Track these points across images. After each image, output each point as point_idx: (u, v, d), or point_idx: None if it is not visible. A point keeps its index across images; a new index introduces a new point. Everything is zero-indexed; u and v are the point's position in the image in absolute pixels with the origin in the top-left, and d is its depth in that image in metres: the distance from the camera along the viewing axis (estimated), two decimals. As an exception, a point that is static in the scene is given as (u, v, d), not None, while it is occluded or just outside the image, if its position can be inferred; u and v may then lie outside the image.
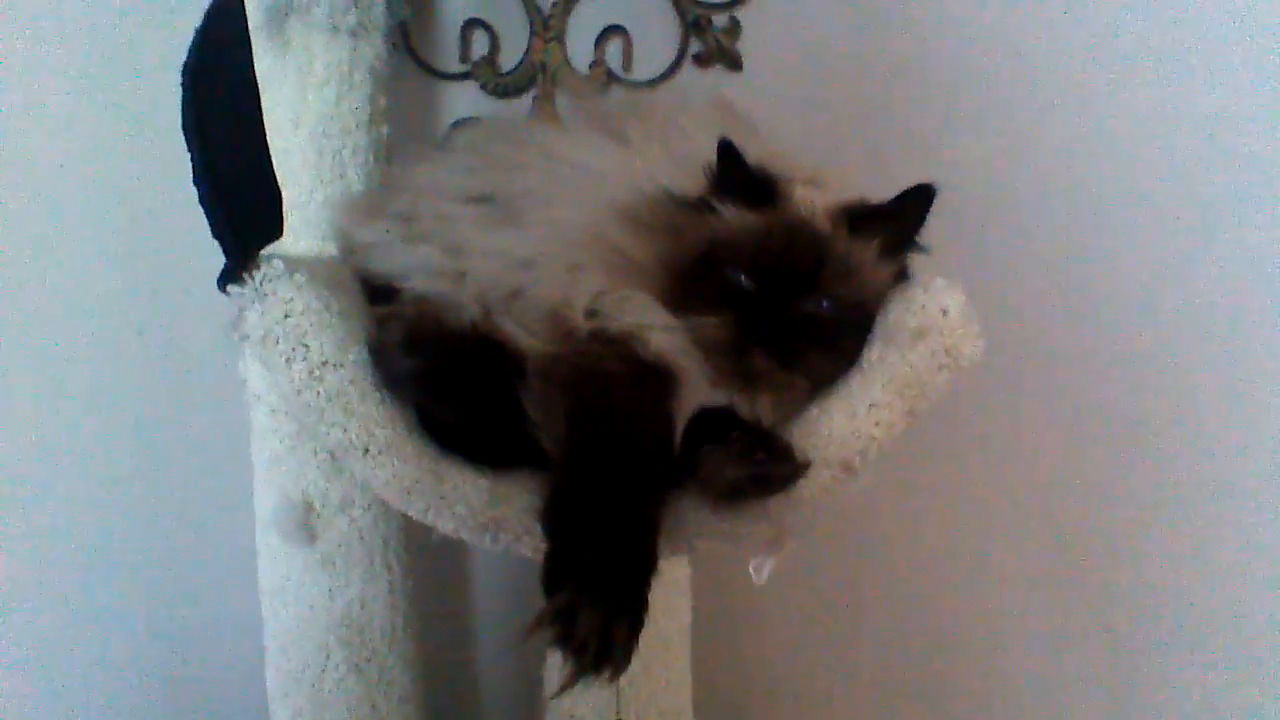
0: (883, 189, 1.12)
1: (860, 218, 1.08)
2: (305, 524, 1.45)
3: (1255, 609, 1.80)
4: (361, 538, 1.48)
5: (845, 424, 1.04)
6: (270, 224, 0.97)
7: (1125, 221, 1.72)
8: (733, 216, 1.08)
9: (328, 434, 1.02)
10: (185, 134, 0.93)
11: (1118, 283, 1.74)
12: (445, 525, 1.03)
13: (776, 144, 1.27)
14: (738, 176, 1.09)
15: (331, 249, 1.27)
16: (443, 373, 1.04)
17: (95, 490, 1.73)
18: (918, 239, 1.10)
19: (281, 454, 1.43)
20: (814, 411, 1.06)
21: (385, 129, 1.49)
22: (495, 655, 1.83)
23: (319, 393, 1.02)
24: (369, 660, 1.52)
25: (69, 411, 1.71)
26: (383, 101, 1.48)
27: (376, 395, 1.03)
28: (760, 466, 0.99)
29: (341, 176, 1.43)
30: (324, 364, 1.02)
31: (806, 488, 1.02)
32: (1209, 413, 1.76)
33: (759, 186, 1.09)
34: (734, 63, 1.70)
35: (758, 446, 1.00)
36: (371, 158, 1.46)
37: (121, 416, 1.73)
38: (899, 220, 1.08)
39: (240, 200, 0.94)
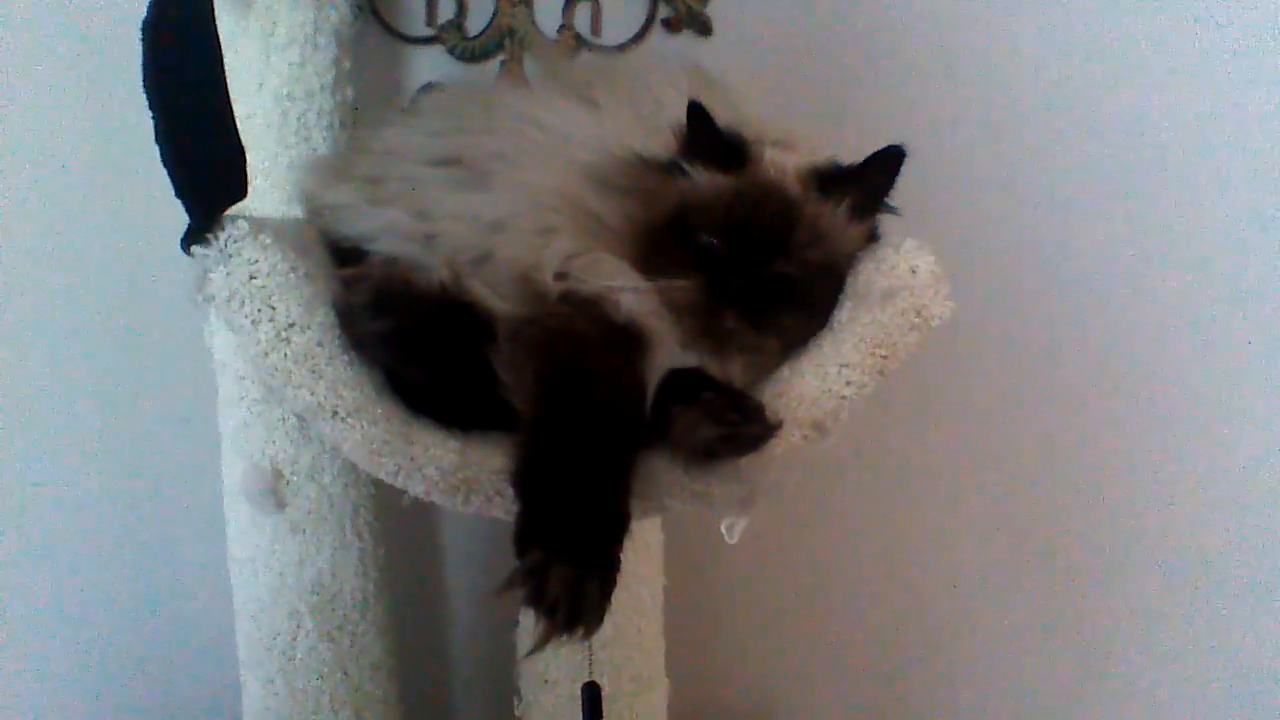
0: (854, 152, 1.12)
1: (830, 179, 1.08)
2: (274, 491, 1.44)
3: (1230, 583, 1.84)
4: (331, 504, 1.47)
5: (816, 384, 1.04)
6: (234, 184, 0.96)
7: (1097, 184, 1.73)
8: (702, 179, 1.08)
9: (295, 397, 1.01)
10: (146, 93, 0.91)
11: (1085, 244, 1.76)
12: (416, 488, 1.03)
13: (747, 107, 1.27)
14: (707, 139, 1.08)
15: (297, 212, 1.25)
16: (411, 334, 1.04)
17: (60, 461, 1.71)
18: (888, 200, 1.10)
19: (249, 420, 1.41)
20: (785, 372, 1.06)
21: (350, 92, 1.47)
22: (467, 622, 1.83)
23: (286, 355, 1.01)
24: (340, 628, 1.51)
25: (31, 379, 1.69)
26: (347, 65, 1.46)
27: (344, 357, 1.02)
28: (732, 426, 0.99)
29: (306, 140, 1.41)
30: (291, 326, 1.01)
31: (778, 447, 1.02)
32: (1183, 382, 1.79)
33: (729, 149, 1.09)
34: (703, 28, 1.70)
35: (729, 406, 1.00)
36: (336, 121, 1.45)
37: (86, 384, 1.70)
38: (869, 182, 1.09)
39: (203, 160, 0.93)
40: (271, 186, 1.38)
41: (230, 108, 0.96)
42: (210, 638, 1.66)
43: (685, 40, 1.70)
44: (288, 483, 1.44)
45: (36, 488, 1.72)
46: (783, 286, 1.05)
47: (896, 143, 1.06)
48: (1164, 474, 1.83)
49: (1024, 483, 1.84)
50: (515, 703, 1.56)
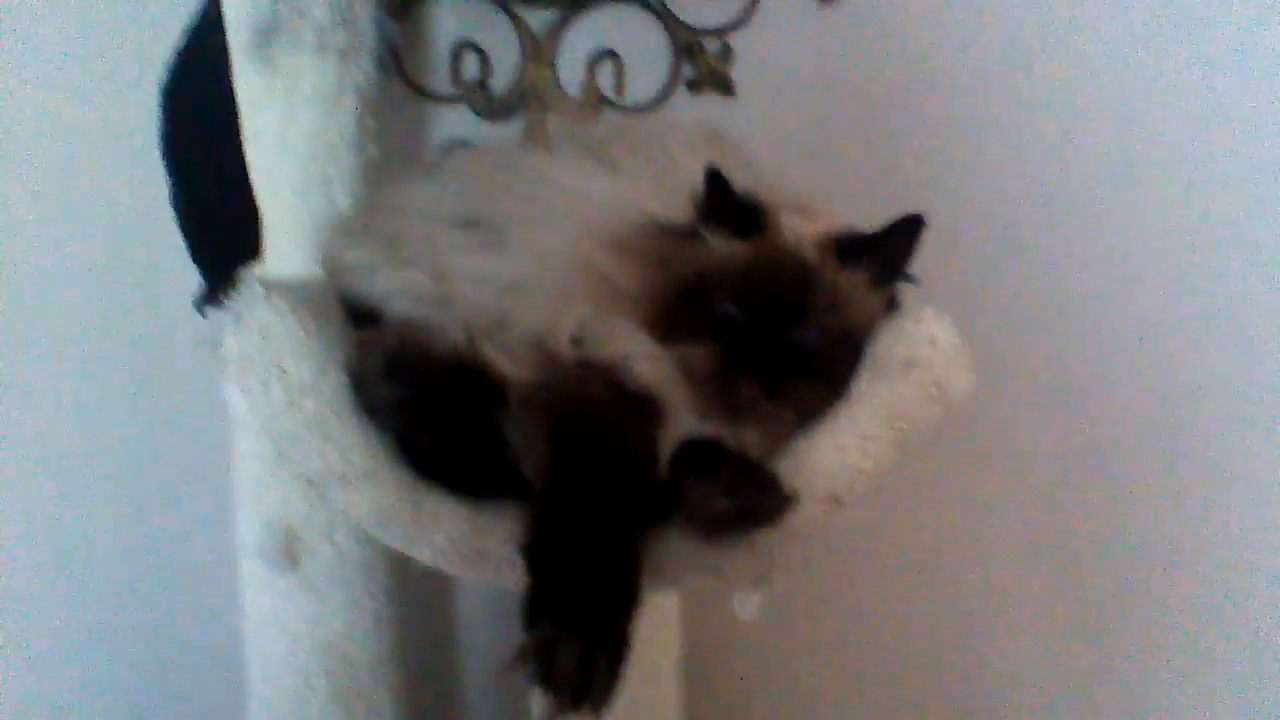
0: (876, 216, 1.10)
1: (849, 247, 1.07)
2: (288, 549, 1.42)
3: (1256, 607, 1.81)
4: (345, 564, 1.46)
5: (833, 456, 1.02)
6: (248, 245, 0.96)
7: (1120, 246, 1.71)
8: (720, 245, 1.07)
9: (305, 461, 1.00)
10: (162, 158, 0.92)
11: (1109, 300, 1.75)
12: (424, 555, 1.01)
13: (766, 171, 1.26)
14: (725, 205, 1.08)
15: (317, 270, 1.25)
16: (424, 401, 1.03)
17: (73, 508, 1.71)
18: (907, 269, 1.08)
19: (264, 477, 1.41)
20: (802, 443, 1.04)
21: (373, 150, 1.47)
22: (482, 686, 1.81)
23: (297, 419, 1.00)
24: (352, 689, 1.50)
25: (45, 430, 1.69)
26: (371, 123, 1.46)
27: (356, 422, 1.01)
28: (747, 499, 0.97)
29: (328, 197, 1.41)
30: (302, 389, 1.00)
31: (794, 520, 1.00)
32: (1207, 417, 1.77)
33: (746, 215, 1.08)
34: (726, 88, 1.70)
35: (744, 478, 0.99)
36: (359, 179, 1.44)
37: (102, 435, 1.70)
38: (888, 249, 1.07)
39: (217, 222, 0.93)
40: (293, 245, 1.37)
41: (246, 171, 0.96)
42: (220, 698, 1.64)
43: (708, 101, 1.70)
44: (301, 541, 1.42)
45: (45, 535, 1.72)
46: (800, 356, 1.04)
47: (917, 211, 1.04)
48: (1201, 484, 1.80)
49: (1053, 502, 1.82)
50: (528, 768, 1.53)
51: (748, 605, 1.03)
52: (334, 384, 1.02)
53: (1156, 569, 1.82)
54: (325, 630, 1.46)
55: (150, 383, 1.68)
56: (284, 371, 1.00)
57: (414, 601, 1.58)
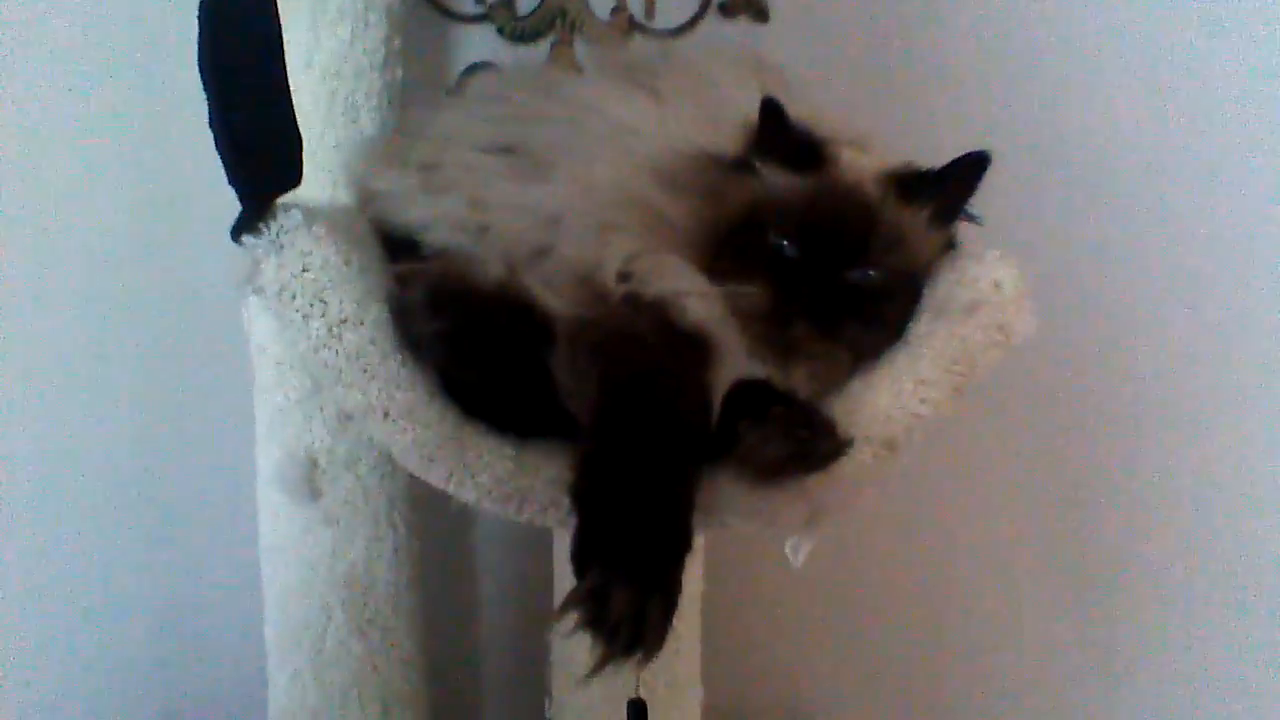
0: (925, 150, 1.07)
1: (910, 184, 1.03)
2: (309, 480, 1.40)
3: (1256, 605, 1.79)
4: (367, 496, 1.43)
5: (890, 400, 0.99)
6: (289, 171, 0.91)
7: (1152, 205, 1.68)
8: (776, 179, 1.03)
9: (346, 395, 0.97)
10: (201, 73, 0.86)
11: (1131, 267, 1.71)
12: (467, 495, 0.99)
13: (815, 102, 1.21)
14: (781, 137, 1.03)
15: (344, 196, 1.20)
16: (468, 335, 0.99)
17: (90, 443, 1.67)
18: (969, 208, 1.05)
19: (286, 408, 1.37)
20: (857, 386, 1.01)
21: (399, 72, 1.42)
22: (500, 620, 1.79)
23: (338, 352, 0.96)
24: (371, 622, 1.48)
25: (60, 365, 1.64)
26: (397, 43, 1.41)
27: (397, 356, 0.98)
28: (802, 443, 0.94)
29: (354, 121, 1.37)
30: (343, 322, 0.96)
31: (847, 466, 0.97)
32: (1217, 407, 1.75)
33: (804, 149, 1.04)
34: (760, 13, 1.65)
35: (799, 422, 0.95)
36: (385, 102, 1.40)
37: (118, 369, 1.66)
38: (951, 188, 1.03)
39: (258, 145, 0.88)
40: (317, 168, 1.32)
41: (289, 92, 0.91)
42: (238, 629, 1.62)
43: (741, 26, 1.64)
44: (323, 472, 1.40)
45: (62, 468, 1.68)
46: (858, 295, 1.00)
47: (981, 149, 1.00)
48: (1208, 486, 1.78)
49: (1064, 489, 1.80)
50: (546, 704, 1.52)
51: (798, 551, 1.00)
52: (375, 316, 0.98)
53: (1159, 565, 1.82)
54: (344, 561, 1.44)
55: (168, 311, 1.63)
56: (325, 303, 0.96)
57: (435, 534, 1.55)
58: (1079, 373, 1.73)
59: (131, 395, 1.67)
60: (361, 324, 0.96)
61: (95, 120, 1.57)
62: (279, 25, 0.90)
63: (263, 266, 0.95)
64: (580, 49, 1.62)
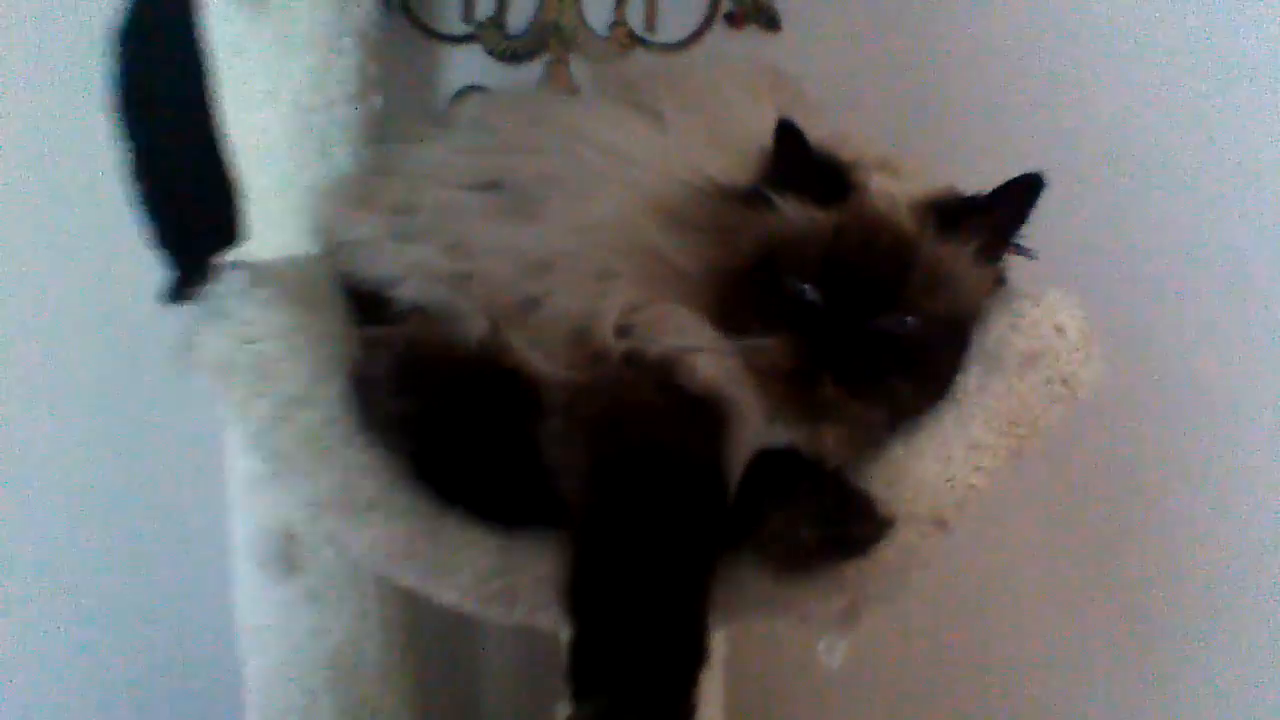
0: (960, 172, 0.94)
1: (951, 213, 0.89)
2: (286, 554, 1.27)
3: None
4: (352, 568, 1.30)
5: (938, 469, 0.85)
6: (226, 226, 0.78)
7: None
8: (795, 213, 0.89)
9: (299, 483, 0.83)
10: (115, 116, 0.73)
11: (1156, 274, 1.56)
12: (445, 596, 0.85)
13: (834, 119, 1.08)
14: (800, 164, 0.89)
15: (313, 248, 1.07)
16: (441, 413, 0.85)
17: (58, 514, 1.54)
18: (1021, 240, 0.90)
19: (260, 475, 1.23)
20: (898, 452, 0.87)
21: (377, 100, 1.28)
22: (501, 698, 1.65)
23: (288, 435, 0.82)
24: (361, 704, 1.35)
25: (24, 435, 1.52)
26: (373, 69, 1.27)
27: (360, 438, 0.84)
28: (835, 526, 0.80)
29: (327, 156, 1.23)
30: (295, 400, 0.83)
31: (890, 549, 0.83)
32: (1236, 414, 1.61)
33: (827, 176, 0.90)
34: (771, 22, 1.50)
35: (832, 500, 0.82)
36: (361, 136, 1.26)
37: (84, 432, 1.53)
38: (998, 216, 0.89)
39: (186, 197, 0.74)
40: (287, 210, 1.19)
41: (221, 133, 0.78)
42: (217, 715, 1.49)
43: (750, 37, 1.50)
44: (301, 544, 1.27)
45: (29, 544, 1.56)
46: (894, 346, 0.86)
47: (1034, 170, 0.86)
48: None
49: (1092, 520, 1.66)
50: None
51: (834, 652, 0.86)
52: (333, 393, 0.84)
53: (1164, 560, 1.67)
54: (329, 641, 1.32)
55: (132, 372, 1.49)
56: (273, 379, 0.82)
57: (429, 606, 1.41)
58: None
59: (99, 455, 1.54)
60: (317, 402, 0.83)
61: (60, 162, 1.43)
62: (205, 53, 0.76)
63: (201, 338, 0.81)
64: (577, 68, 1.49)
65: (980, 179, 0.91)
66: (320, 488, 0.83)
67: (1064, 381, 0.84)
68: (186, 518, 1.54)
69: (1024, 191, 0.88)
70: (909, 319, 0.86)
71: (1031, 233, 0.90)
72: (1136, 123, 1.53)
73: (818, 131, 0.95)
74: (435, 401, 0.85)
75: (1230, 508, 1.64)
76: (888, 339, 0.86)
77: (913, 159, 1.00)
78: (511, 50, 1.49)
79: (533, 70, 1.49)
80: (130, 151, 0.73)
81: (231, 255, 0.83)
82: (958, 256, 0.88)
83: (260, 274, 0.84)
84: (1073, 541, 1.67)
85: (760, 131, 0.94)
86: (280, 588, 1.30)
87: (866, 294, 0.86)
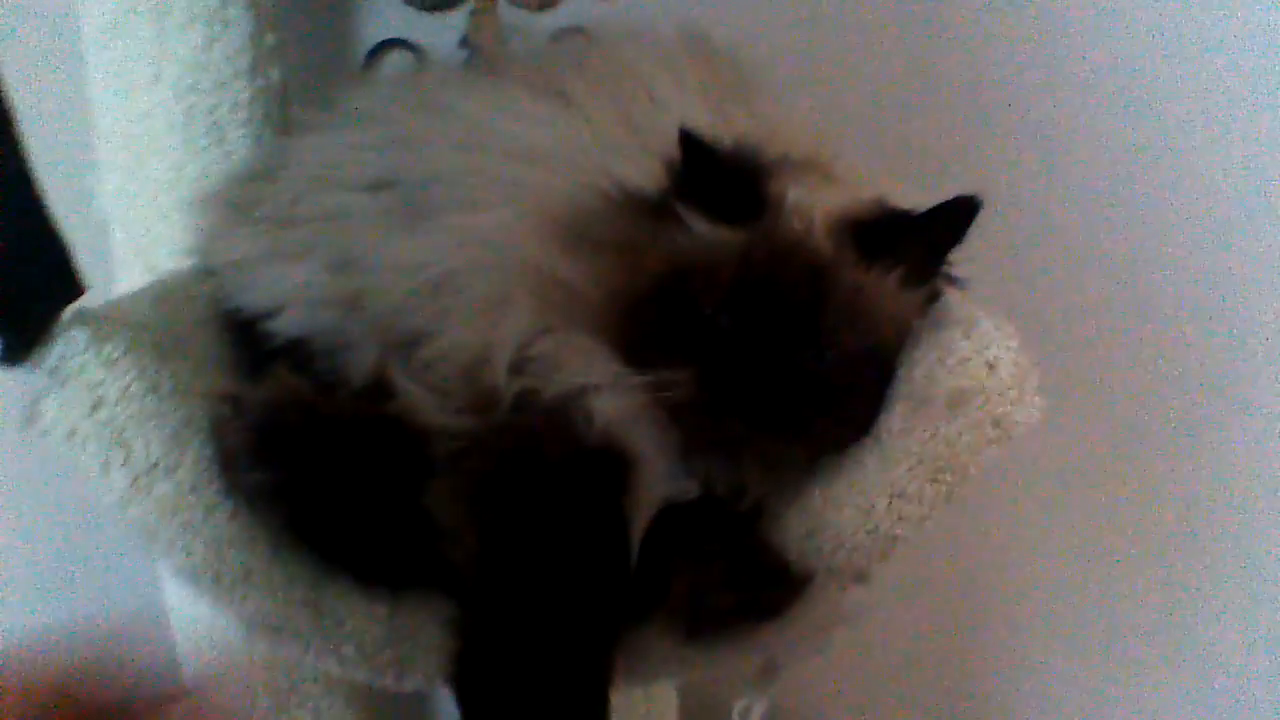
0: (916, 149, 0.84)
1: (876, 234, 0.80)
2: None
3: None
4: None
5: (858, 520, 0.78)
6: (57, 283, 0.69)
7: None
8: (703, 232, 0.80)
9: (167, 555, 0.76)
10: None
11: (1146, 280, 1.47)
12: (331, 667, 0.79)
13: (770, 96, 0.98)
14: (708, 177, 0.80)
15: (191, 263, 0.98)
16: (310, 483, 0.77)
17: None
18: (950, 266, 0.82)
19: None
20: (816, 501, 0.79)
21: (276, 73, 1.18)
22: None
23: (147, 505, 0.75)
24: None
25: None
26: (270, 39, 1.16)
27: (228, 505, 0.77)
28: (747, 591, 0.74)
29: (220, 142, 1.13)
30: (153, 468, 0.75)
31: (807, 606, 0.76)
32: (1245, 414, 1.53)
33: (738, 190, 0.80)
34: (718, -42, 1.36)
35: (743, 562, 0.75)
36: (260, 114, 1.16)
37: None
38: (927, 239, 0.80)
39: (6, 255, 0.66)
40: (178, 206, 1.10)
41: (31, 174, 0.69)
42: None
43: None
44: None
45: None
46: (808, 382, 0.78)
47: (969, 193, 0.77)
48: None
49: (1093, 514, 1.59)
50: None
51: (750, 714, 0.80)
52: (196, 457, 0.76)
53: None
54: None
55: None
56: (127, 447, 0.74)
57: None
58: (1101, 372, 1.51)
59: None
60: (177, 469, 0.75)
61: None
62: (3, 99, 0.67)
63: (43, 405, 0.73)
64: (506, 13, 1.36)
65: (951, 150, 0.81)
66: (190, 559, 0.76)
67: (996, 423, 0.76)
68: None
69: (957, 215, 0.79)
70: (825, 353, 0.78)
71: (965, 257, 0.81)
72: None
73: (740, 120, 0.86)
74: (302, 471, 0.77)
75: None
76: (800, 375, 0.78)
77: (846, 155, 0.90)
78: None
79: (457, 20, 1.37)
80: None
81: (69, 308, 0.74)
82: (880, 283, 0.80)
83: (105, 327, 0.75)
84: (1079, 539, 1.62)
85: (682, 119, 0.84)
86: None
87: (777, 326, 0.78)
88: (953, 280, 0.81)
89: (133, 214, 1.14)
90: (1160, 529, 1.59)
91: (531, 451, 0.76)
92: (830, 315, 0.78)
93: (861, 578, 0.78)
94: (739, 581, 0.75)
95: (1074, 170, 1.41)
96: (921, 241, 0.80)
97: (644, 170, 0.86)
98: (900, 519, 0.77)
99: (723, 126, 0.84)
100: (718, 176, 0.80)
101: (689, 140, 0.79)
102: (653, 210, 0.83)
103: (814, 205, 0.81)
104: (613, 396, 0.79)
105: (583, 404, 0.78)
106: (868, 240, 0.79)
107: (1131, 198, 1.43)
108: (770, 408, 0.77)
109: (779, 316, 0.77)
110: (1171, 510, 1.58)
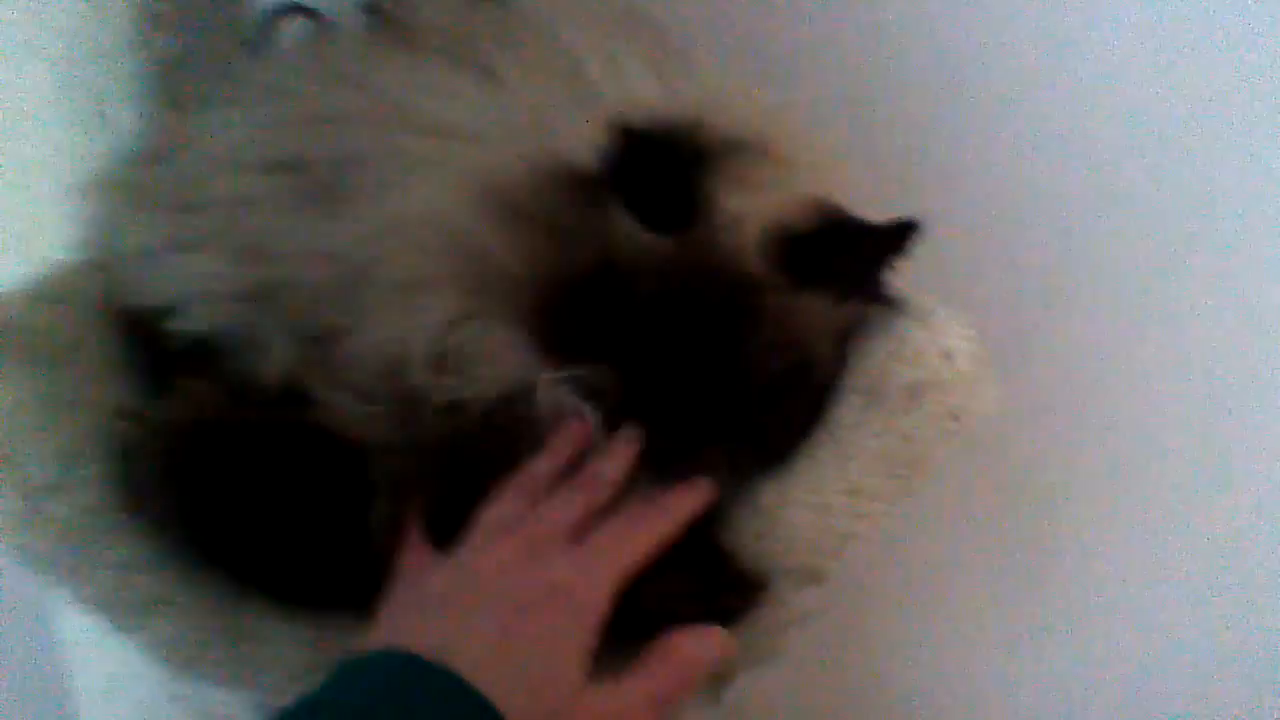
0: (860, 108, 0.90)
1: (813, 247, 0.75)
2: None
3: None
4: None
5: (813, 519, 0.75)
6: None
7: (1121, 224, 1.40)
8: (632, 230, 0.75)
9: (70, 585, 0.69)
10: None
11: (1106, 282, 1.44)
12: (256, 696, 0.73)
13: (708, 70, 0.92)
14: (638, 177, 0.75)
15: (85, 254, 0.90)
16: (225, 504, 0.71)
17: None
18: (884, 289, 0.78)
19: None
20: (769, 500, 0.76)
21: (167, 42, 1.09)
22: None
23: (42, 531, 0.68)
24: None
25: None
26: (159, 4, 1.07)
27: (131, 527, 0.70)
28: (707, 602, 0.71)
29: (105, 120, 1.04)
30: (44, 490, 0.68)
31: (762, 611, 0.73)
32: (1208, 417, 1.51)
33: (670, 193, 0.75)
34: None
35: (701, 572, 0.72)
36: (152, 87, 1.07)
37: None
38: (861, 259, 0.77)
39: None
40: (60, 190, 1.01)
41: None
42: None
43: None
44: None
45: None
46: (732, 402, 0.74)
47: (909, 217, 0.74)
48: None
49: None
50: None
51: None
52: (95, 475, 0.69)
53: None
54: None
55: None
56: (15, 468, 0.67)
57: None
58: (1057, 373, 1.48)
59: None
60: (70, 489, 0.68)
61: None
62: None
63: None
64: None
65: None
66: (93, 588, 0.70)
67: (953, 415, 0.74)
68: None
69: (895, 238, 0.75)
70: (748, 375, 0.74)
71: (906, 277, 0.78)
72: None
73: (692, 95, 0.81)
74: (215, 491, 0.71)
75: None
76: (725, 396, 0.74)
77: (801, 134, 0.85)
78: (337, -47, 1.28)
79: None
80: None
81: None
82: (812, 302, 0.75)
83: (-8, 328, 0.68)
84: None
85: (612, 91, 0.81)
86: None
87: (699, 343, 0.73)
88: (889, 300, 0.78)
89: (7, 202, 1.05)
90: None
91: (467, 456, 0.71)
92: (754, 340, 0.74)
93: (816, 578, 0.75)
94: (701, 591, 0.71)
95: (1070, 165, 1.38)
96: (859, 259, 0.76)
97: (575, 147, 0.80)
98: (856, 515, 0.75)
99: (672, 100, 0.79)
100: (649, 177, 0.74)
101: (628, 137, 0.74)
102: (590, 190, 0.77)
103: (748, 215, 0.75)
104: (548, 393, 0.74)
105: (512, 413, 0.73)
106: (802, 259, 0.75)
107: (1131, 192, 1.41)
108: (689, 427, 0.74)
109: (698, 338, 0.73)
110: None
